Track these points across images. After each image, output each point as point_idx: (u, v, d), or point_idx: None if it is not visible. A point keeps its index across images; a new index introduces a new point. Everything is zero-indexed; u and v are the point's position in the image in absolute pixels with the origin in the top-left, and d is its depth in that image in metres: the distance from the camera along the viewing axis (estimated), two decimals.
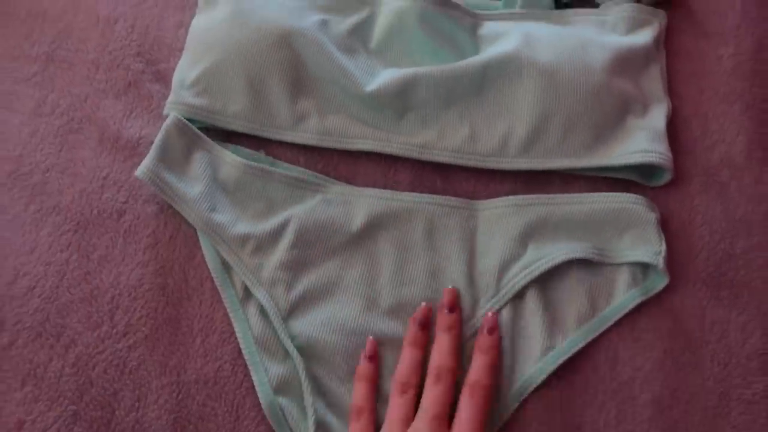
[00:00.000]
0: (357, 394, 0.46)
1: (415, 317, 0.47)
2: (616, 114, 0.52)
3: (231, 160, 0.51)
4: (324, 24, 0.56)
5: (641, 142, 0.50)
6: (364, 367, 0.46)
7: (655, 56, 0.55)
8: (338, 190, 0.51)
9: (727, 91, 0.55)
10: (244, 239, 0.49)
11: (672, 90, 0.55)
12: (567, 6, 0.58)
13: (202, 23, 0.57)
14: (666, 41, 0.57)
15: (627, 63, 0.53)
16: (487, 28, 0.56)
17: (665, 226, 0.50)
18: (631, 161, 0.50)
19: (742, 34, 0.57)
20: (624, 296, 0.48)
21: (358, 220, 0.50)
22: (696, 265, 0.49)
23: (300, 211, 0.50)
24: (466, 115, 0.53)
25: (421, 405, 0.44)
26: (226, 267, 0.49)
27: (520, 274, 0.48)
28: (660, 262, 0.47)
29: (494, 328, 0.47)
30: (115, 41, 0.59)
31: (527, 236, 0.49)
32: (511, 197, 0.50)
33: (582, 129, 0.51)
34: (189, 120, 0.53)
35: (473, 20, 0.56)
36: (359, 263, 0.49)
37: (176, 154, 0.51)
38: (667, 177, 0.51)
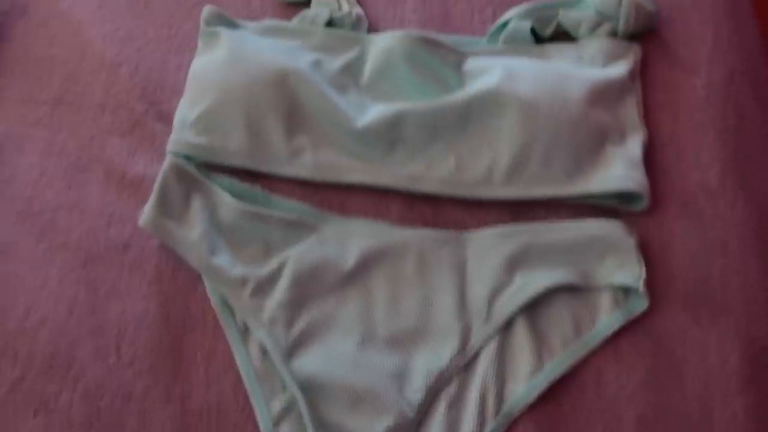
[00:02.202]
0: None
1: None
2: (594, 143, 0.54)
3: (228, 202, 0.54)
4: (317, 63, 0.59)
5: (619, 169, 0.53)
6: None
7: (631, 87, 0.58)
8: (332, 229, 0.54)
9: (702, 119, 0.58)
10: (243, 281, 0.51)
11: (648, 118, 0.58)
12: (547, 41, 0.61)
13: (201, 65, 0.61)
14: (642, 72, 0.60)
15: (604, 94, 0.56)
16: (472, 63, 0.60)
17: (645, 250, 0.53)
18: (609, 187, 0.53)
19: (714, 64, 0.60)
20: (607, 318, 0.50)
21: (352, 258, 0.52)
22: (675, 288, 0.52)
23: (296, 253, 0.52)
24: (452, 148, 0.56)
25: None
26: (226, 300, 0.52)
27: (510, 302, 0.50)
28: (640, 285, 0.49)
29: None
30: (119, 84, 0.62)
31: (514, 265, 0.51)
32: (497, 228, 0.53)
33: (562, 158, 0.54)
34: (190, 157, 0.56)
35: (458, 57, 0.60)
36: (354, 299, 0.52)
37: (175, 199, 0.53)
38: (644, 203, 0.53)
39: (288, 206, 0.56)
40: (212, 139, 0.57)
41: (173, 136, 0.57)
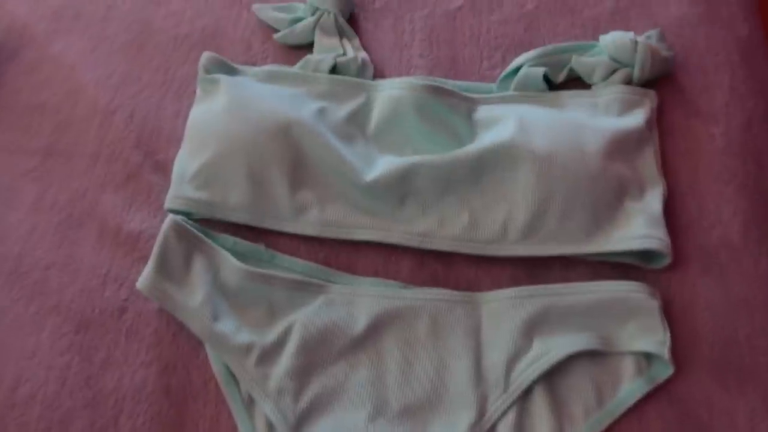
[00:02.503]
0: None
1: None
2: (612, 198, 0.52)
3: (231, 264, 0.51)
4: (322, 112, 0.56)
5: (639, 227, 0.51)
6: None
7: (648, 137, 0.56)
8: (340, 290, 0.51)
9: (721, 169, 0.56)
10: (248, 349, 0.49)
11: (667, 169, 0.56)
12: (559, 87, 0.59)
13: (200, 114, 0.58)
14: (658, 120, 0.58)
15: (621, 146, 0.54)
16: (483, 112, 0.57)
17: (668, 309, 0.50)
18: (630, 247, 0.50)
19: (732, 111, 0.58)
20: (630, 386, 0.48)
21: (361, 322, 0.50)
22: (700, 352, 0.49)
23: (302, 316, 0.50)
24: (465, 203, 0.54)
25: None
26: (230, 369, 0.49)
27: (528, 370, 0.48)
28: (665, 352, 0.47)
29: None
30: (113, 132, 0.60)
31: (532, 329, 0.49)
32: (513, 289, 0.51)
33: (580, 214, 0.51)
34: (190, 213, 0.54)
35: (468, 105, 0.57)
36: (365, 365, 0.49)
37: (175, 261, 0.51)
38: (666, 261, 0.51)
39: (293, 265, 0.53)
40: (213, 194, 0.54)
41: (171, 192, 0.54)
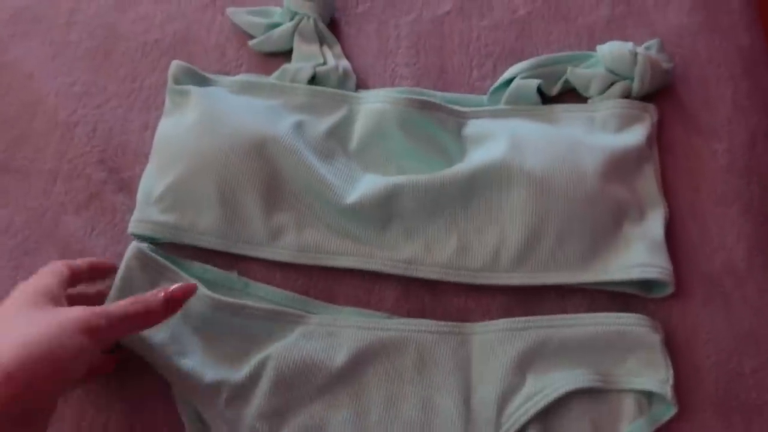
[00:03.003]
0: None
1: None
2: (611, 222, 0.49)
3: (199, 294, 0.47)
4: (300, 126, 0.52)
5: (640, 254, 0.48)
6: None
7: (649, 155, 0.53)
8: (319, 321, 0.47)
9: (724, 190, 0.53)
10: (217, 387, 0.45)
11: (667, 189, 0.53)
12: (554, 100, 0.56)
13: (169, 128, 0.54)
14: (658, 136, 0.55)
15: (620, 166, 0.51)
16: (473, 127, 0.54)
17: (669, 342, 0.47)
18: (631, 277, 0.47)
19: (735, 127, 0.55)
20: (630, 427, 0.45)
21: (341, 355, 0.46)
22: (705, 388, 0.46)
23: (278, 350, 0.46)
24: (453, 227, 0.50)
25: None
26: (199, 412, 0.45)
27: (521, 408, 0.44)
28: (668, 391, 0.44)
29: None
30: (75, 147, 0.55)
31: (526, 364, 0.46)
32: (505, 320, 0.47)
33: (577, 240, 0.48)
34: (156, 239, 0.50)
35: (457, 120, 0.54)
36: (345, 404, 0.45)
37: (139, 293, 0.46)
38: (668, 290, 0.48)
39: (268, 293, 0.49)
40: (181, 217, 0.50)
41: (136, 215, 0.50)
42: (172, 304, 0.41)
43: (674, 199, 0.52)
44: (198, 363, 0.45)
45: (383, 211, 0.50)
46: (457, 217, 0.50)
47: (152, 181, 0.51)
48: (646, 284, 0.49)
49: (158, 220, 0.50)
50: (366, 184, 0.50)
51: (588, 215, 0.48)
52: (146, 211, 0.50)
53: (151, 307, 0.40)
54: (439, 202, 0.50)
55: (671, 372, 0.45)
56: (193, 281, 0.47)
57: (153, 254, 0.47)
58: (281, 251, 0.50)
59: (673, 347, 0.47)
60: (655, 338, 0.46)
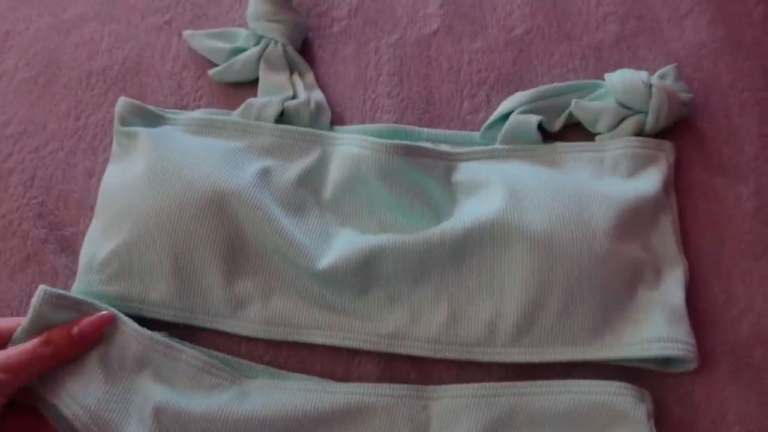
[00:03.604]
0: None
1: None
2: (624, 287, 0.42)
3: (130, 331, 0.41)
4: (265, 174, 0.46)
5: (657, 326, 0.41)
6: None
7: (666, 204, 0.46)
8: (259, 383, 0.42)
9: (751, 240, 0.46)
10: None
11: (687, 241, 0.46)
12: (557, 135, 0.49)
13: (115, 178, 0.47)
14: (675, 177, 0.48)
15: (634, 220, 0.44)
16: (464, 172, 0.47)
17: (692, 424, 0.41)
18: (648, 354, 0.41)
19: (762, 165, 0.49)
20: None
21: (276, 423, 0.40)
22: None
23: (211, 408, 0.40)
24: (443, 293, 0.43)
25: None
26: None
27: None
28: None
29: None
30: (10, 200, 0.48)
31: None
32: (473, 385, 0.41)
33: (585, 309, 0.42)
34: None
35: (446, 164, 0.47)
36: None
37: None
38: (690, 366, 0.42)
39: (205, 353, 0.43)
40: (128, 287, 0.43)
41: (77, 285, 0.43)
42: (86, 339, 0.39)
43: (695, 252, 0.46)
44: (119, 416, 0.39)
45: (362, 275, 0.43)
46: (447, 282, 0.43)
47: (96, 243, 0.44)
48: (667, 359, 0.42)
49: (102, 292, 0.43)
50: (342, 244, 0.44)
51: (597, 279, 0.42)
52: (88, 280, 0.43)
53: (59, 349, 0.38)
54: (426, 264, 0.43)
55: None
56: (123, 317, 0.41)
57: (68, 294, 0.41)
58: (246, 324, 0.43)
59: (697, 428, 0.41)
60: (641, 410, 0.39)
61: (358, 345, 0.43)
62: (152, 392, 0.40)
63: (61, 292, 0.40)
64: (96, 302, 0.41)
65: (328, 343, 0.43)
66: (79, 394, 0.38)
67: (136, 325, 0.41)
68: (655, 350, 0.40)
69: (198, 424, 0.39)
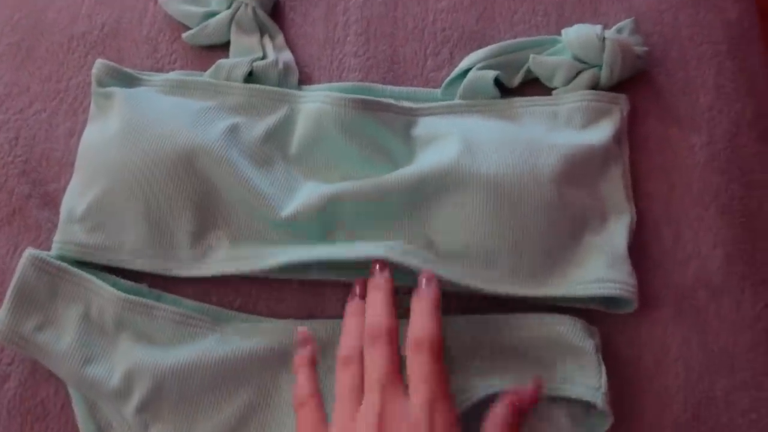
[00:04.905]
0: (300, 381, 0.40)
1: (354, 291, 0.42)
2: (570, 232, 0.44)
3: (107, 294, 0.44)
4: (234, 131, 0.48)
5: (598, 268, 0.43)
6: (300, 356, 0.41)
7: (617, 155, 0.47)
8: (235, 327, 0.45)
9: (701, 188, 0.48)
10: (126, 393, 0.42)
11: (639, 187, 0.48)
12: (516, 91, 0.51)
13: (93, 136, 0.49)
14: (630, 128, 0.49)
15: (582, 167, 0.46)
16: (423, 126, 0.49)
17: (636, 361, 0.44)
18: (588, 293, 0.43)
19: (716, 116, 0.50)
20: None
21: (259, 352, 0.43)
22: (671, 412, 0.43)
23: (189, 355, 0.43)
24: (402, 236, 0.46)
25: (365, 375, 0.37)
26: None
27: None
28: (600, 399, 0.40)
29: (432, 278, 0.40)
30: None
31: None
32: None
33: (533, 251, 0.44)
34: (83, 262, 0.46)
35: (407, 119, 0.49)
36: (261, 408, 0.43)
37: (38, 298, 0.44)
38: (631, 307, 0.44)
39: (181, 304, 0.46)
40: (107, 238, 0.46)
41: (58, 236, 0.46)
42: None
43: (647, 198, 0.48)
44: (104, 369, 0.43)
45: (322, 221, 0.45)
46: (404, 224, 0.45)
47: (76, 197, 0.47)
48: (612, 300, 0.45)
49: (83, 242, 0.46)
50: (303, 194, 0.46)
51: (543, 223, 0.44)
52: (70, 231, 0.46)
53: None
54: (383, 210, 0.45)
55: (604, 379, 0.40)
56: (99, 282, 0.44)
57: (51, 259, 0.44)
58: (213, 264, 0.46)
59: (640, 366, 0.44)
60: (589, 342, 0.42)
61: (323, 276, 0.45)
62: (134, 352, 0.43)
63: (45, 257, 0.44)
64: (77, 270, 0.44)
65: (293, 259, 0.44)
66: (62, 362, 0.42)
67: (112, 289, 0.44)
68: (594, 290, 0.42)
69: (182, 374, 0.42)
